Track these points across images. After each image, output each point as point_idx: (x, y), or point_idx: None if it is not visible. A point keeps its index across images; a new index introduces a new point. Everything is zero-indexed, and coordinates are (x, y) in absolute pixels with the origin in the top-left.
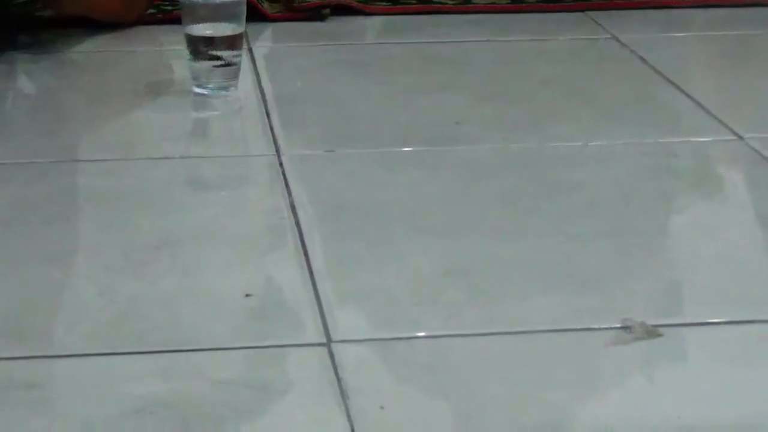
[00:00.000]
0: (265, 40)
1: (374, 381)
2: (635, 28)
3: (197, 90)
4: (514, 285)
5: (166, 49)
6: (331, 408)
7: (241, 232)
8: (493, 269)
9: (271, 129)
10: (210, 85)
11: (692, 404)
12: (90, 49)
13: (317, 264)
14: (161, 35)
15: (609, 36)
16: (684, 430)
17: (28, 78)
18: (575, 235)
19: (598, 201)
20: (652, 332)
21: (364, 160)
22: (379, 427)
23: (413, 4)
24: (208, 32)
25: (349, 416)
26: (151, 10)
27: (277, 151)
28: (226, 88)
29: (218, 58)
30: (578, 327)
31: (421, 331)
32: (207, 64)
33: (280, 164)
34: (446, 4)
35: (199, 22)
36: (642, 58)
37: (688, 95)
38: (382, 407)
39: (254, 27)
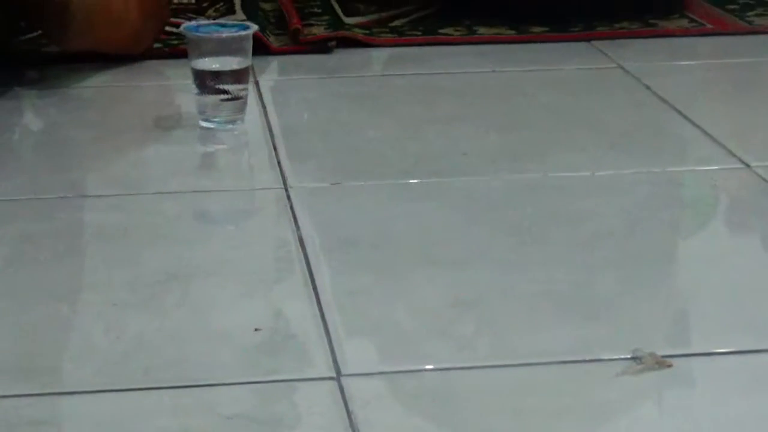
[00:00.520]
0: (272, 73)
1: (384, 415)
2: (641, 57)
3: (204, 124)
4: (523, 316)
5: (172, 83)
6: None
7: (250, 265)
8: (501, 300)
9: (278, 162)
10: (217, 119)
11: None
12: (96, 84)
13: (326, 297)
14: (167, 69)
15: (615, 65)
16: None
17: (35, 114)
18: (583, 265)
19: (605, 231)
20: (661, 363)
21: (371, 192)
22: None
23: (418, 35)
24: (214, 66)
25: None
26: (158, 45)
27: (285, 184)
28: (232, 122)
29: (225, 91)
30: (588, 358)
31: (430, 364)
32: (214, 98)
33: (288, 197)
34: (451, 35)
35: (205, 56)
36: (648, 87)
37: (694, 124)
38: None
39: (260, 60)
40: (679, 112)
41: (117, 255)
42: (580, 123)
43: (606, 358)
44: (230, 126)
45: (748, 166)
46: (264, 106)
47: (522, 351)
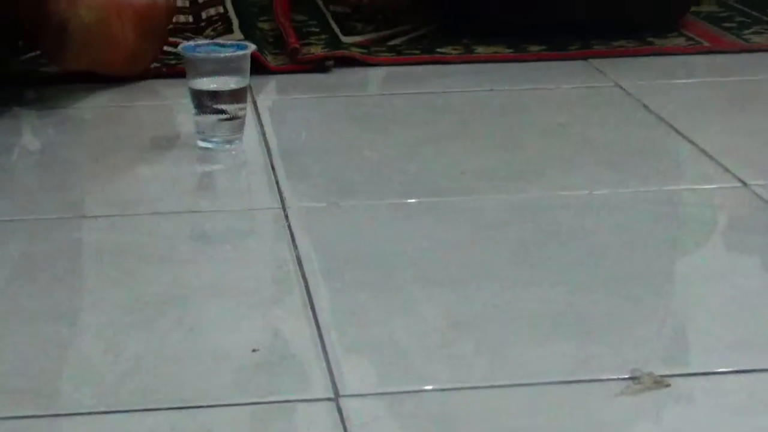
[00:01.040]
0: (270, 93)
1: None
2: (638, 76)
3: (202, 144)
4: (522, 336)
5: (170, 103)
6: None
7: (248, 286)
8: (500, 320)
9: (277, 182)
10: (215, 139)
11: None
12: (94, 105)
13: (324, 317)
14: (165, 89)
15: (612, 84)
16: None
17: (34, 134)
18: (582, 284)
19: (604, 249)
20: (660, 382)
21: (369, 212)
22: None
23: (416, 54)
24: (212, 86)
25: None
26: (156, 64)
27: (283, 203)
28: (230, 142)
29: (223, 111)
30: (587, 378)
31: (429, 384)
32: (212, 118)
33: (286, 217)
34: (449, 54)
35: (203, 76)
36: (646, 106)
37: (692, 142)
38: None
39: (258, 79)
40: (677, 131)
41: (115, 275)
42: (578, 141)
43: (605, 378)
44: (228, 146)
45: (745, 184)
46: (262, 126)
47: (521, 371)
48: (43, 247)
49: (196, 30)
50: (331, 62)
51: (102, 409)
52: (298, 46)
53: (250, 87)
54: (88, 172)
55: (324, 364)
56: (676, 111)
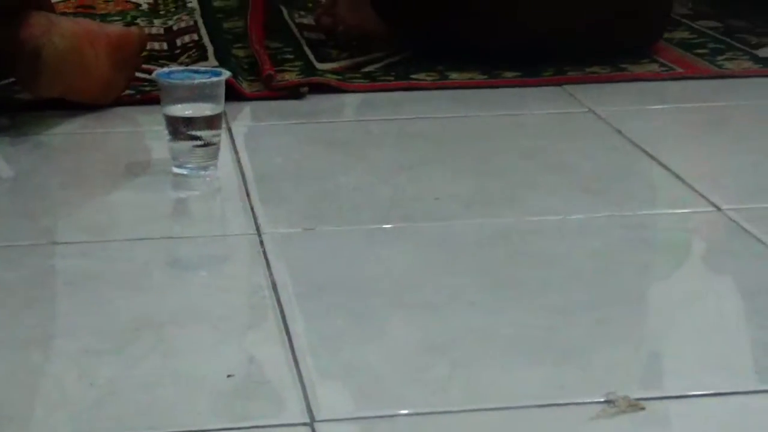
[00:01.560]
0: (244, 119)
1: None
2: (612, 101)
3: (176, 170)
4: (497, 360)
5: (144, 129)
6: None
7: (222, 311)
8: (475, 344)
9: (251, 208)
10: (189, 165)
11: None
12: (68, 131)
13: (299, 342)
14: (139, 116)
15: (586, 109)
16: None
17: (6, 160)
18: (556, 308)
19: (578, 274)
20: (635, 405)
21: (344, 238)
22: None
23: (391, 81)
24: (187, 112)
25: None
26: (130, 91)
27: (258, 229)
28: (205, 168)
29: (197, 138)
30: (562, 402)
31: (404, 409)
32: (186, 144)
33: (261, 243)
34: (424, 80)
35: (177, 103)
36: (619, 131)
37: (665, 167)
38: None
39: (233, 106)
40: (651, 156)
41: (89, 302)
42: (552, 167)
43: (579, 401)
44: (203, 172)
45: (718, 208)
46: (237, 152)
47: (496, 395)
48: (16, 274)
49: (170, 57)
50: (305, 89)
51: None
52: (272, 72)
53: (225, 113)
54: (61, 198)
55: (299, 389)
56: (649, 136)
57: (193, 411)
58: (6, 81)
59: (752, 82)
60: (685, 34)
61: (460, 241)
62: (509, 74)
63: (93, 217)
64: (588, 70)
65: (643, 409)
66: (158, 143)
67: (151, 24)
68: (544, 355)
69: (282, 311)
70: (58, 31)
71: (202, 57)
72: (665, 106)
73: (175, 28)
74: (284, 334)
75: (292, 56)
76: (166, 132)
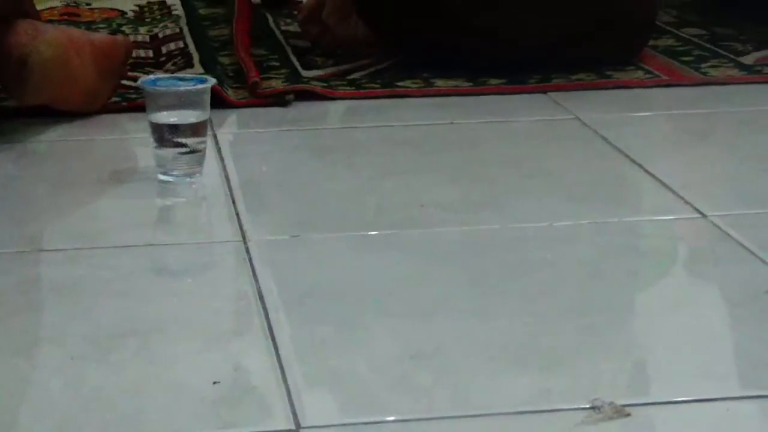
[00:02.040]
0: (230, 126)
1: None
2: (597, 109)
3: (162, 177)
4: (482, 366)
5: (130, 136)
6: None
7: (208, 319)
8: (461, 351)
9: (237, 215)
10: (175, 172)
11: None
12: (53, 139)
13: (285, 350)
14: (125, 123)
15: (571, 116)
16: None
17: None
18: (542, 314)
19: (563, 281)
20: (620, 412)
21: (330, 245)
22: None
23: (376, 88)
24: (172, 119)
25: None
26: (116, 98)
27: (243, 237)
28: (191, 175)
29: (183, 145)
30: (547, 408)
31: (390, 415)
32: (172, 152)
33: (247, 250)
34: (409, 87)
35: (163, 110)
36: (604, 138)
37: (651, 174)
38: None
39: (218, 113)
40: (636, 163)
41: (75, 309)
42: (538, 174)
43: (565, 407)
44: (188, 179)
45: (704, 215)
46: (222, 159)
47: (481, 401)
48: (2, 282)
49: (156, 64)
50: (291, 96)
51: None
52: (258, 79)
53: (211, 120)
54: (47, 205)
55: (285, 396)
56: (634, 143)
57: (179, 418)
58: None
59: (737, 90)
60: (671, 42)
61: (446, 248)
62: (495, 81)
63: (79, 225)
64: (573, 77)
65: (628, 415)
66: (144, 150)
67: (136, 31)
68: (529, 361)
69: (268, 318)
70: (44, 38)
71: (188, 64)
72: (651, 113)
73: (160, 35)
74: (270, 341)
75: (277, 64)
76: (152, 139)
